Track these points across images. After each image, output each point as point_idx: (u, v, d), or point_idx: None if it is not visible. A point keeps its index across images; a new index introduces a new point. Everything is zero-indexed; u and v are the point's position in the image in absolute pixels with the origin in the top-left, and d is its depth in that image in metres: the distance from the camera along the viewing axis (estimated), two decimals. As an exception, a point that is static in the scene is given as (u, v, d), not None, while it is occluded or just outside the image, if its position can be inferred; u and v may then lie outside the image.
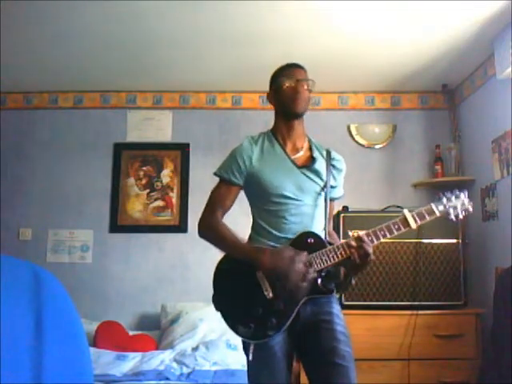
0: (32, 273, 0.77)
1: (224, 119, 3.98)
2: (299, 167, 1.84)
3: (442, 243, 3.23)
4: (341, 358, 1.69)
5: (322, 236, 1.79)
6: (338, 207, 3.13)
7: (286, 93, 1.85)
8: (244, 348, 1.78)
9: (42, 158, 3.94)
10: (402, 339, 3.08)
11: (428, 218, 1.76)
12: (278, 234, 1.78)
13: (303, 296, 1.71)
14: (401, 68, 3.55)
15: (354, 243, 1.69)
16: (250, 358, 1.70)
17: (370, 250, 1.68)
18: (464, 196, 1.82)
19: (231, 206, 1.88)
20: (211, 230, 1.83)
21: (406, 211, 1.75)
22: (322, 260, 1.72)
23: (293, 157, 1.86)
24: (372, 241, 1.72)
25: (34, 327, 0.72)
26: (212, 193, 1.89)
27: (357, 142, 3.93)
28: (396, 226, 1.74)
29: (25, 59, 3.43)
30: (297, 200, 1.80)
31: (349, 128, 3.95)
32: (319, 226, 1.84)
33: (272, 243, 1.77)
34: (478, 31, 2.98)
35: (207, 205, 1.87)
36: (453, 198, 1.80)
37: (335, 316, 1.76)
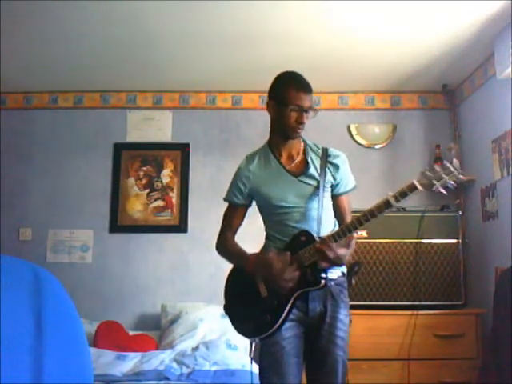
0: (32, 273, 0.77)
1: (224, 119, 3.97)
2: (296, 175, 1.91)
3: (441, 243, 3.23)
4: (332, 360, 1.82)
5: (314, 233, 1.85)
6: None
7: (289, 119, 1.86)
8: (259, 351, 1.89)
9: (42, 157, 3.93)
10: (402, 339, 3.08)
11: (409, 194, 1.68)
12: (286, 239, 1.87)
13: (292, 292, 1.79)
14: (401, 68, 3.54)
15: (317, 244, 1.78)
16: (251, 355, 1.85)
17: (329, 252, 1.73)
18: (452, 166, 1.65)
19: (240, 224, 2.03)
20: (220, 248, 2.03)
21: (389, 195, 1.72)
22: (309, 255, 1.79)
23: (288, 166, 1.93)
24: (340, 238, 1.76)
25: (34, 327, 0.72)
26: (223, 215, 2.05)
27: (357, 142, 3.93)
28: (378, 210, 1.73)
29: (25, 59, 3.43)
30: (299, 207, 1.88)
31: (349, 128, 3.95)
32: (326, 226, 1.89)
33: (282, 247, 1.87)
34: (477, 31, 2.98)
35: (220, 227, 2.04)
36: (438, 168, 1.67)
37: (339, 321, 1.86)
